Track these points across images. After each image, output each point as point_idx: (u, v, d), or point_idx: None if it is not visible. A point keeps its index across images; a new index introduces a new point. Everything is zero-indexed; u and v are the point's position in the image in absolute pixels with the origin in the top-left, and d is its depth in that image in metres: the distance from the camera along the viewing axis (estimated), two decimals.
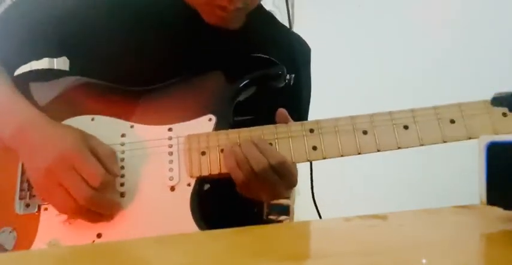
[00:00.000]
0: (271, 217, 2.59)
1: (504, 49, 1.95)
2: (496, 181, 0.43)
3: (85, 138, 0.66)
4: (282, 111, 0.72)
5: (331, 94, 2.07)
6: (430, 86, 1.97)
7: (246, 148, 0.66)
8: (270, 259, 0.36)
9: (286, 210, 2.56)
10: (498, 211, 0.43)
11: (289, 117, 0.72)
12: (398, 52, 2.20)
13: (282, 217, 2.61)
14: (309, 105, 0.95)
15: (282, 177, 0.68)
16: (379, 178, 2.17)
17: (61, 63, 0.82)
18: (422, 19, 2.13)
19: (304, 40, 0.95)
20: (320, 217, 0.87)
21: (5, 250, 0.68)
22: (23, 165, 0.70)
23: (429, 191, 1.99)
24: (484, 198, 0.43)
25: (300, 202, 2.46)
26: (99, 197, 0.64)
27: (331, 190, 2.08)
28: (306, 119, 0.92)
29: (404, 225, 0.48)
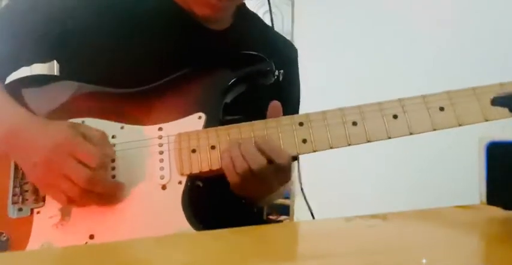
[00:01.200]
0: (271, 217, 2.59)
1: (504, 49, 1.95)
2: (496, 181, 0.43)
3: (74, 126, 0.67)
4: (276, 104, 0.71)
5: (331, 92, 2.07)
6: (433, 88, 1.97)
7: (245, 147, 0.66)
8: (270, 259, 0.36)
9: (286, 210, 2.56)
10: (498, 211, 0.43)
11: (281, 110, 0.71)
12: (400, 50, 2.20)
13: (282, 217, 2.61)
14: (299, 104, 0.95)
15: (280, 174, 0.67)
16: (379, 178, 2.16)
17: (51, 68, 0.83)
18: (423, 17, 2.13)
19: (289, 41, 0.96)
20: (313, 217, 0.87)
21: None
22: (15, 170, 0.71)
23: (429, 191, 1.99)
24: (484, 198, 0.43)
25: (300, 202, 2.46)
26: (100, 177, 0.65)
27: (330, 190, 2.08)
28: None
29: (404, 225, 0.48)
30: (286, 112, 0.74)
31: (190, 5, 0.78)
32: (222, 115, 0.73)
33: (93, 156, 0.64)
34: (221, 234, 0.46)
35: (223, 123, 0.72)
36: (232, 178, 0.67)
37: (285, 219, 2.59)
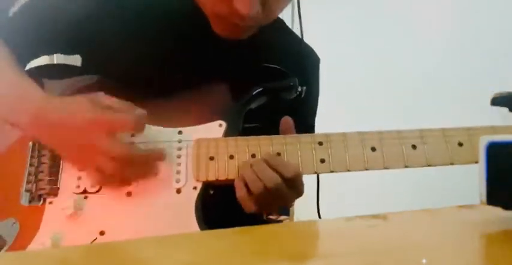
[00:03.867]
0: (271, 217, 2.59)
1: (504, 49, 1.94)
2: (496, 181, 0.43)
3: (93, 99, 0.66)
4: (287, 120, 0.72)
5: (332, 94, 2.07)
6: (433, 88, 1.97)
7: (257, 167, 0.67)
8: (270, 259, 0.36)
9: (286, 210, 2.56)
10: (498, 211, 0.43)
11: (293, 126, 0.72)
12: (403, 54, 2.20)
13: (282, 217, 2.61)
14: (315, 115, 0.95)
15: (293, 189, 0.68)
16: (379, 178, 2.16)
17: (73, 60, 0.83)
18: (428, 20, 2.13)
19: (313, 49, 0.95)
20: (320, 217, 0.87)
21: (5, 241, 0.68)
22: (31, 157, 0.71)
23: (429, 191, 1.99)
24: (484, 198, 0.43)
25: (300, 202, 2.46)
26: (135, 147, 0.66)
27: (331, 190, 2.07)
28: (313, 129, 0.93)
29: (405, 225, 0.48)
30: (304, 124, 0.74)
31: (210, 22, 0.75)
32: (242, 125, 0.74)
33: (129, 120, 0.64)
34: (222, 234, 0.46)
35: (242, 132, 0.73)
36: (248, 207, 0.68)
37: (285, 219, 2.59)
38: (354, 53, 2.30)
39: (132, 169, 0.66)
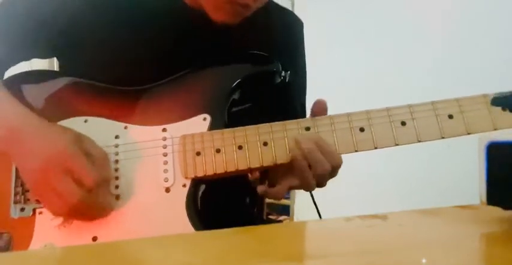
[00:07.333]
0: (271, 217, 2.59)
1: (504, 48, 1.94)
2: (496, 181, 0.43)
3: (78, 139, 0.66)
4: (322, 102, 0.70)
5: (330, 91, 2.07)
6: (431, 85, 1.97)
7: (308, 149, 0.66)
8: (270, 259, 0.36)
9: (286, 210, 2.56)
10: (498, 211, 0.43)
11: (326, 109, 0.70)
12: (399, 50, 2.20)
13: (282, 217, 2.61)
14: (305, 95, 0.93)
15: (330, 177, 0.69)
16: (379, 178, 2.16)
17: (51, 64, 0.82)
18: (424, 17, 2.13)
19: (296, 16, 0.93)
20: (320, 217, 0.87)
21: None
22: (17, 169, 0.70)
23: (429, 191, 1.99)
24: (484, 198, 0.43)
25: (300, 202, 2.46)
26: (92, 200, 0.63)
27: (331, 189, 2.08)
28: (304, 110, 0.91)
29: (404, 225, 0.48)
30: (292, 108, 0.73)
31: (206, 9, 0.75)
32: (227, 116, 0.72)
33: (90, 176, 0.62)
34: (221, 234, 0.46)
35: (231, 115, 0.71)
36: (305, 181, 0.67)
37: (285, 219, 2.59)
38: (352, 52, 2.30)
39: (80, 214, 0.65)
